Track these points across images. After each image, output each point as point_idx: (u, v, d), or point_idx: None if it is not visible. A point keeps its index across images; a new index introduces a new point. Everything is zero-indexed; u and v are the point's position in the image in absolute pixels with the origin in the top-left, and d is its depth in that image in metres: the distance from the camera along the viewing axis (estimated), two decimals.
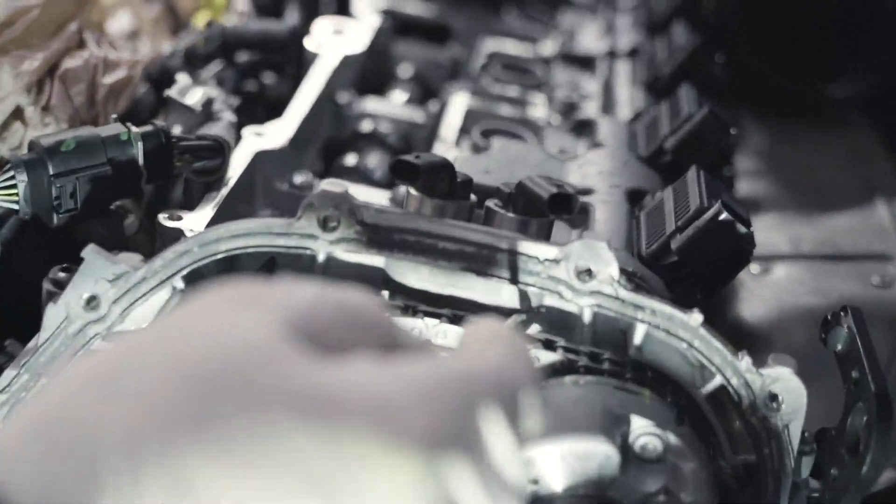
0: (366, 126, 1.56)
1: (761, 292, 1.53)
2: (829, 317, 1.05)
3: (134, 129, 1.13)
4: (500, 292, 1.02)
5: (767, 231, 1.64)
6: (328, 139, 1.53)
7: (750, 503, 1.03)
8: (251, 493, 0.51)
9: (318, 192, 1.00)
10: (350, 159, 1.51)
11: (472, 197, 1.11)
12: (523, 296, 1.02)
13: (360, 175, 1.48)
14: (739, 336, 1.10)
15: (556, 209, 1.06)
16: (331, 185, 1.00)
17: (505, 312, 1.02)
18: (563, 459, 0.92)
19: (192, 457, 0.51)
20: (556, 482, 0.92)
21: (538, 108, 1.60)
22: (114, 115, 1.16)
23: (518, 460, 0.61)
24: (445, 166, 1.08)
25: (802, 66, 1.86)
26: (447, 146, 1.46)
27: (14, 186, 1.06)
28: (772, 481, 1.00)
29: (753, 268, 1.60)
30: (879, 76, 1.85)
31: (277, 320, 0.58)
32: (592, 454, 0.91)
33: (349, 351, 0.59)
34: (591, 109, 1.61)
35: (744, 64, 1.84)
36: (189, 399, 0.53)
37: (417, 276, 1.03)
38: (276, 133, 1.34)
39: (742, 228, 1.15)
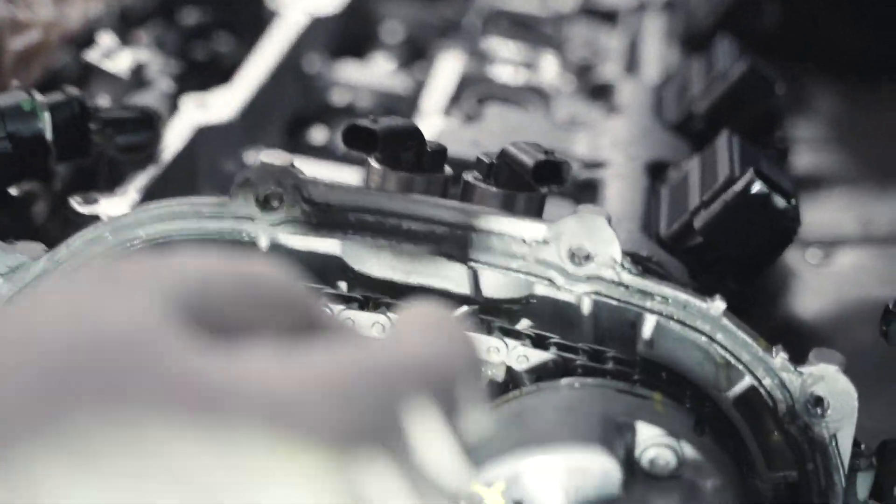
0: (340, 97, 1.59)
1: (821, 284, 1.54)
2: (891, 305, 1.07)
3: (39, 97, 1.14)
4: (481, 281, 1.04)
5: (831, 211, 1.65)
6: (294, 113, 1.56)
7: None
8: (103, 495, 0.52)
9: (255, 166, 1.01)
10: (318, 135, 1.53)
11: (447, 170, 1.12)
12: (508, 285, 1.04)
13: (331, 155, 1.49)
14: (791, 336, 1.09)
15: (543, 179, 1.06)
16: (271, 156, 1.01)
17: (486, 306, 1.04)
18: (555, 476, 0.93)
19: (35, 454, 0.51)
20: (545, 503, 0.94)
21: (547, 72, 1.63)
22: (15, 82, 1.18)
23: (455, 461, 0.62)
24: (411, 132, 1.08)
25: (877, 17, 1.87)
26: (434, 115, 1.48)
27: None
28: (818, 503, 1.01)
29: (812, 255, 1.61)
30: None
31: (159, 300, 0.58)
32: (589, 469, 0.93)
33: (252, 336, 0.59)
34: (611, 71, 1.64)
35: (805, 15, 1.85)
36: (39, 389, 0.53)
37: (379, 263, 1.04)
38: (222, 104, 1.36)
39: (781, 201, 1.15)
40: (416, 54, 1.74)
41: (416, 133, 1.08)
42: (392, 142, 1.07)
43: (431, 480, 0.60)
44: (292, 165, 1.02)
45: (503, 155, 1.09)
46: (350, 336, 0.65)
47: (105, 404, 0.53)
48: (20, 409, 0.52)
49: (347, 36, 1.71)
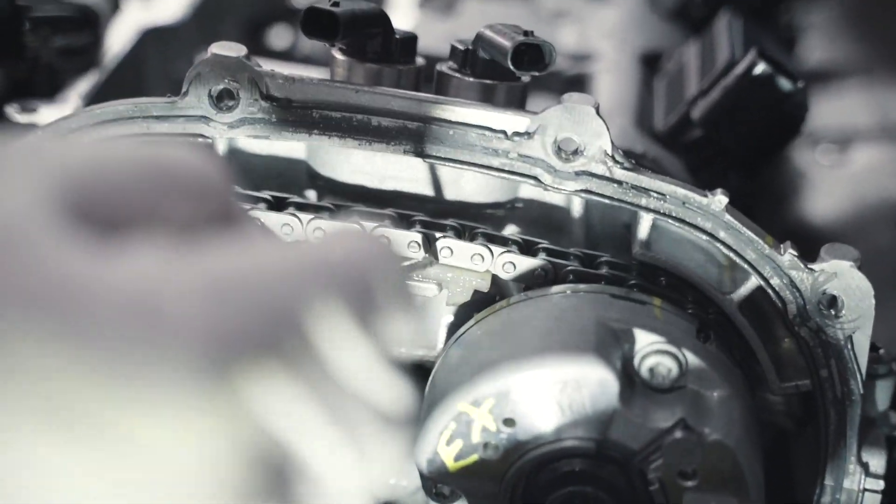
0: None
1: (834, 184, 1.56)
2: None
3: None
4: (458, 183, 1.05)
5: (845, 106, 1.67)
6: (252, 14, 1.58)
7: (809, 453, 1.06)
8: None
9: (207, 58, 1.01)
10: (279, 38, 1.55)
11: (419, 60, 1.12)
12: (489, 187, 1.04)
13: (294, 59, 1.50)
14: (801, 239, 1.09)
15: (525, 64, 1.06)
16: (224, 48, 1.01)
17: (467, 210, 1.06)
18: (547, 391, 0.94)
19: None
20: (539, 422, 0.95)
21: None
22: None
23: (368, 370, 0.61)
24: (377, 17, 1.09)
25: None
26: (407, 8, 1.49)
27: None
28: (835, 415, 1.02)
29: (825, 153, 1.63)
30: None
31: (42, 189, 0.56)
32: (585, 381, 0.94)
33: (133, 226, 0.58)
34: None
35: None
36: None
37: (349, 166, 1.06)
38: (170, 4, 1.38)
39: (786, 83, 1.17)
40: None
41: (383, 18, 1.09)
42: (356, 28, 1.07)
43: (338, 385, 0.60)
44: (248, 57, 1.02)
45: (479, 40, 1.09)
46: (261, 235, 0.65)
47: None
48: None
49: None
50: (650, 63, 1.35)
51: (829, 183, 1.54)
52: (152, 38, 1.32)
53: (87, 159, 0.60)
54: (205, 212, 0.62)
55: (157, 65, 1.33)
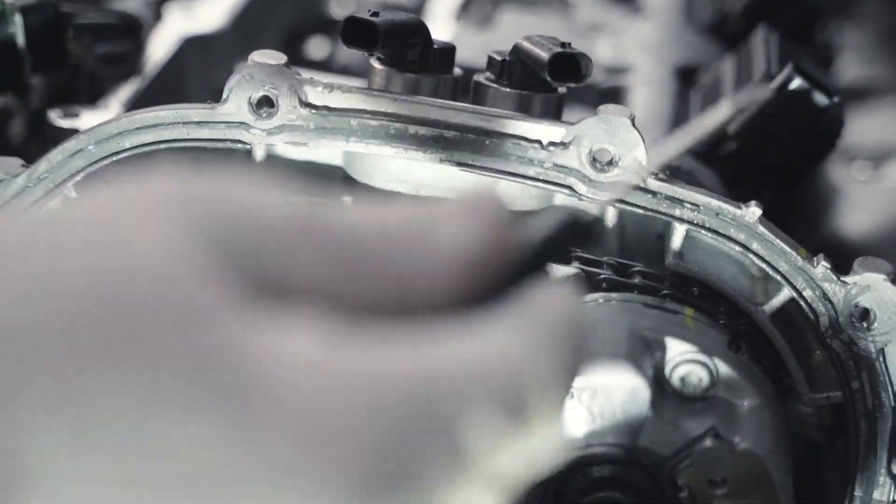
0: (341, 7, 1.61)
1: (868, 200, 1.55)
2: None
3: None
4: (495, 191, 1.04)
5: (881, 122, 1.66)
6: (291, 25, 1.59)
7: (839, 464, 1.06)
8: (95, 468, 0.50)
9: (247, 65, 1.02)
10: (318, 49, 1.56)
11: (457, 70, 1.13)
12: (524, 197, 1.04)
13: (332, 69, 1.52)
14: (835, 254, 1.10)
15: (561, 75, 1.06)
16: (265, 55, 1.03)
17: None
18: (578, 399, 0.95)
19: (34, 404, 0.49)
20: (570, 427, 0.96)
21: None
22: None
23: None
24: (416, 27, 1.09)
25: None
26: (444, 21, 1.50)
27: None
28: (865, 428, 1.02)
29: (860, 169, 1.61)
30: None
31: (195, 236, 0.53)
32: (616, 390, 0.95)
33: (294, 295, 0.54)
34: None
35: None
36: (58, 334, 0.50)
37: (386, 173, 1.06)
38: (211, 12, 1.39)
39: (822, 98, 1.17)
40: None
41: (422, 29, 1.09)
42: (395, 38, 1.08)
43: None
44: (288, 65, 1.03)
45: (516, 51, 1.09)
46: (425, 331, 0.56)
47: (126, 367, 0.50)
48: (25, 361, 0.50)
49: None
50: (686, 77, 1.36)
51: (864, 198, 1.53)
52: (193, 47, 1.33)
53: (242, 203, 0.56)
54: (353, 273, 0.56)
55: (198, 73, 1.34)
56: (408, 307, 0.56)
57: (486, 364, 0.54)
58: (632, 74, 1.35)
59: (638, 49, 1.40)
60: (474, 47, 1.27)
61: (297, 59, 1.54)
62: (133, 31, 1.26)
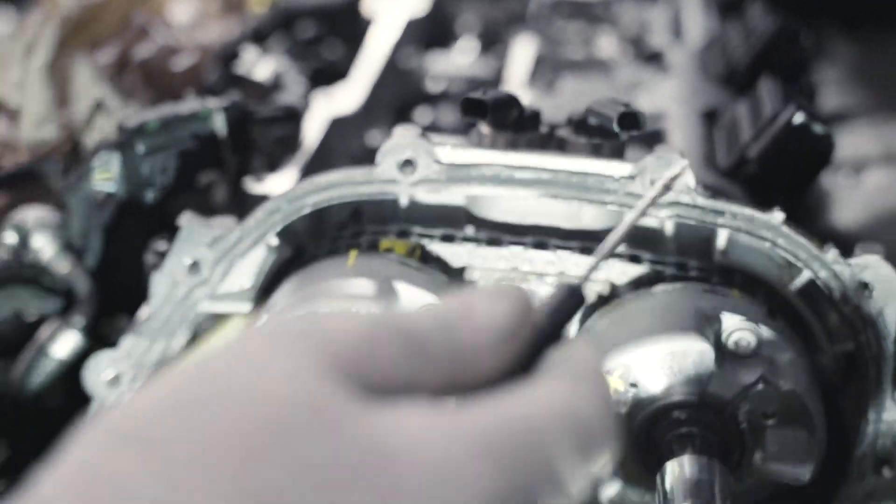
0: (434, 86, 1.64)
1: (852, 200, 1.56)
2: None
3: (213, 103, 1.23)
4: (580, 215, 1.09)
5: (856, 138, 1.67)
6: (400, 100, 1.61)
7: (855, 396, 1.08)
8: None
9: (395, 138, 1.07)
10: (423, 117, 1.58)
11: (543, 129, 1.16)
12: (604, 216, 1.09)
13: (436, 130, 1.53)
14: (833, 241, 1.11)
15: (626, 126, 1.10)
16: (405, 129, 1.08)
17: (587, 235, 1.09)
18: (661, 361, 0.99)
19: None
20: (656, 383, 0.99)
21: (606, 47, 1.65)
22: (193, 93, 1.28)
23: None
24: (512, 100, 1.13)
25: None
26: (517, 88, 1.51)
27: (109, 169, 1.19)
28: (873, 368, 1.05)
29: (844, 176, 1.62)
30: None
31: (321, 361, 0.53)
32: (688, 353, 0.99)
33: (403, 391, 0.54)
34: (659, 40, 1.67)
35: None
36: (227, 463, 0.49)
37: (498, 208, 1.10)
38: (346, 98, 1.43)
39: (819, 128, 1.20)
40: (490, 42, 1.77)
41: (516, 100, 1.13)
42: (498, 109, 1.11)
43: None
44: (423, 135, 1.07)
45: (588, 111, 1.13)
46: (499, 391, 0.57)
47: (296, 478, 0.49)
48: (215, 485, 0.49)
49: (433, 32, 1.76)
50: (709, 118, 1.37)
51: (850, 199, 1.55)
52: (334, 125, 1.37)
53: (354, 333, 0.56)
54: (448, 372, 0.57)
55: (338, 144, 1.38)
56: (469, 382, 0.56)
57: (562, 409, 0.55)
58: (667, 119, 1.36)
59: (669, 99, 1.41)
60: (544, 108, 1.25)
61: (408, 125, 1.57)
62: (294, 118, 1.30)
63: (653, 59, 1.59)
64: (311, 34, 1.63)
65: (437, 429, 0.52)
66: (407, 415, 0.52)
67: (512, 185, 1.07)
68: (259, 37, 1.60)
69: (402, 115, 1.60)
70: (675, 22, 1.75)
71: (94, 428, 0.51)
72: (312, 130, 1.37)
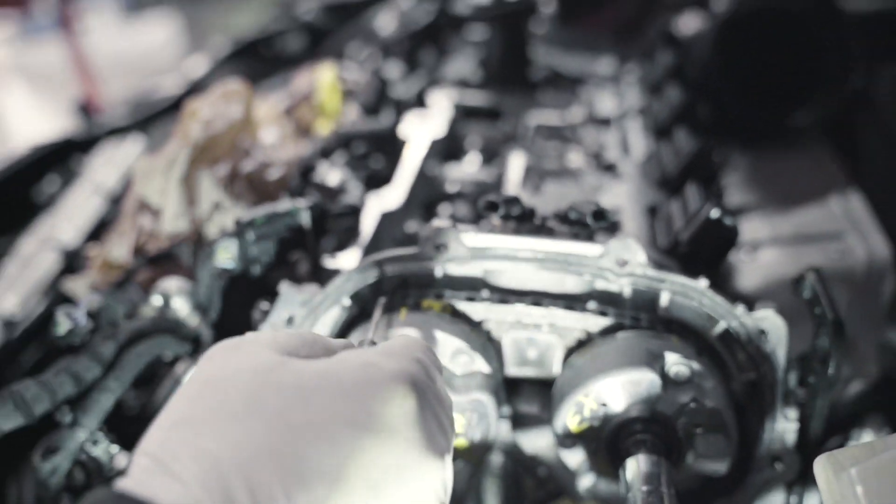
0: (451, 187, 1.64)
1: (751, 270, 1.57)
2: (799, 275, 1.12)
3: (301, 203, 1.26)
4: (564, 282, 1.10)
5: (752, 225, 1.67)
6: (427, 198, 1.61)
7: (757, 411, 1.08)
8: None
9: (433, 228, 1.09)
10: (444, 211, 1.58)
11: (536, 220, 1.17)
12: (581, 283, 1.09)
13: (455, 221, 1.52)
14: (739, 300, 1.14)
15: (596, 219, 1.14)
16: (440, 222, 1.11)
17: (569, 297, 1.09)
18: (622, 387, 1.01)
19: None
20: (619, 403, 1.01)
21: (575, 160, 1.65)
22: (286, 196, 1.32)
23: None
24: (516, 200, 1.16)
25: (770, 104, 1.87)
26: (514, 190, 1.51)
27: (229, 250, 1.22)
28: (769, 392, 1.07)
29: (746, 253, 1.63)
30: (828, 107, 1.86)
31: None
32: (641, 381, 1.01)
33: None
34: (613, 155, 1.67)
35: (727, 108, 1.87)
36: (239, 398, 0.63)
37: (507, 277, 1.11)
38: (391, 197, 1.44)
39: (729, 220, 1.21)
40: (490, 156, 1.76)
41: (519, 201, 1.15)
42: (506, 206, 1.14)
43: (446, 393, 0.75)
44: (454, 226, 1.10)
45: (570, 208, 1.15)
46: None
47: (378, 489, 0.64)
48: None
49: (449, 148, 1.75)
50: (651, 212, 1.38)
51: (749, 270, 1.55)
52: (384, 218, 1.37)
53: (281, 337, 0.72)
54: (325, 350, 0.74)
55: (386, 231, 1.38)
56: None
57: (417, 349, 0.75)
58: (623, 213, 1.36)
59: (623, 198, 1.41)
60: (535, 204, 1.26)
61: (431, 216, 1.55)
62: (356, 213, 1.32)
63: (609, 168, 1.59)
64: (362, 151, 1.64)
65: (361, 352, 0.69)
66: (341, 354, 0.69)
67: (516, 261, 1.09)
68: (326, 153, 1.62)
69: (429, 209, 1.60)
70: (624, 142, 1.76)
71: (137, 453, 0.61)
72: (368, 221, 1.38)
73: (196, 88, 2.29)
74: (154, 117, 2.13)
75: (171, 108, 2.16)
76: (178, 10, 8.83)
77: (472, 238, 1.10)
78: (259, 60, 2.54)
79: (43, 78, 7.21)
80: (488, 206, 1.14)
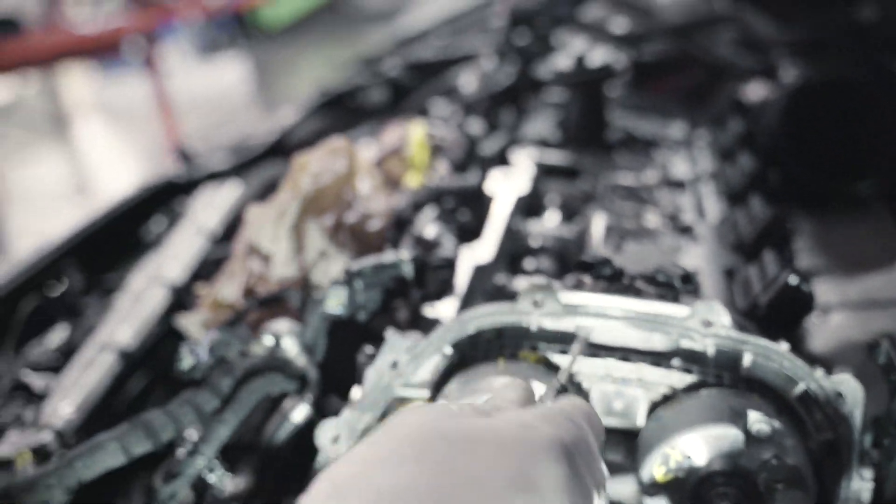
0: (534, 242, 1.66)
1: (822, 331, 1.57)
2: (874, 341, 1.15)
3: (404, 255, 1.32)
4: (651, 340, 1.13)
5: (821, 289, 1.68)
6: (511, 253, 1.63)
7: (833, 470, 1.09)
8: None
9: (530, 284, 1.13)
10: (529, 264, 1.61)
11: (625, 280, 1.21)
12: (668, 341, 1.12)
13: (540, 274, 1.55)
14: (812, 361, 1.14)
15: (683, 283, 1.19)
16: (537, 279, 1.18)
17: (656, 353, 1.12)
18: (707, 441, 1.04)
19: None
20: (703, 457, 1.04)
21: (652, 220, 1.66)
22: (391, 249, 1.38)
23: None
24: (607, 261, 1.21)
25: (836, 172, 1.89)
26: (596, 247, 1.50)
27: (340, 298, 1.29)
28: (845, 451, 1.08)
29: (815, 315, 1.58)
30: (891, 176, 1.87)
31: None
32: (725, 436, 1.03)
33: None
34: (689, 217, 1.69)
35: (794, 175, 1.89)
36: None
37: (597, 334, 1.13)
38: (482, 251, 1.48)
39: (806, 287, 1.25)
40: (571, 213, 1.77)
41: (609, 262, 1.20)
42: (597, 267, 1.18)
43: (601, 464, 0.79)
44: (550, 282, 1.13)
45: (658, 270, 1.19)
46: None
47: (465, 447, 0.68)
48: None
49: (531, 205, 1.77)
50: (729, 275, 1.40)
51: (820, 333, 1.55)
52: (477, 270, 1.40)
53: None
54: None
55: (479, 283, 1.40)
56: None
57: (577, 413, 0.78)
58: (701, 273, 1.36)
59: (700, 260, 1.42)
60: (618, 263, 1.29)
61: (517, 270, 1.56)
62: (451, 266, 1.37)
63: (685, 230, 1.61)
64: (452, 205, 1.69)
65: (520, 413, 0.73)
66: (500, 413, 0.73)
67: (606, 318, 1.12)
68: (418, 206, 1.67)
69: (513, 263, 1.62)
70: (699, 205, 1.78)
71: (321, 479, 0.64)
72: (462, 273, 1.42)
73: (287, 136, 2.37)
74: (249, 163, 2.21)
75: (266, 154, 2.24)
76: (248, 52, 9.09)
77: (567, 296, 1.13)
78: (344, 111, 2.62)
79: (126, 114, 7.46)
80: (581, 266, 1.19)
